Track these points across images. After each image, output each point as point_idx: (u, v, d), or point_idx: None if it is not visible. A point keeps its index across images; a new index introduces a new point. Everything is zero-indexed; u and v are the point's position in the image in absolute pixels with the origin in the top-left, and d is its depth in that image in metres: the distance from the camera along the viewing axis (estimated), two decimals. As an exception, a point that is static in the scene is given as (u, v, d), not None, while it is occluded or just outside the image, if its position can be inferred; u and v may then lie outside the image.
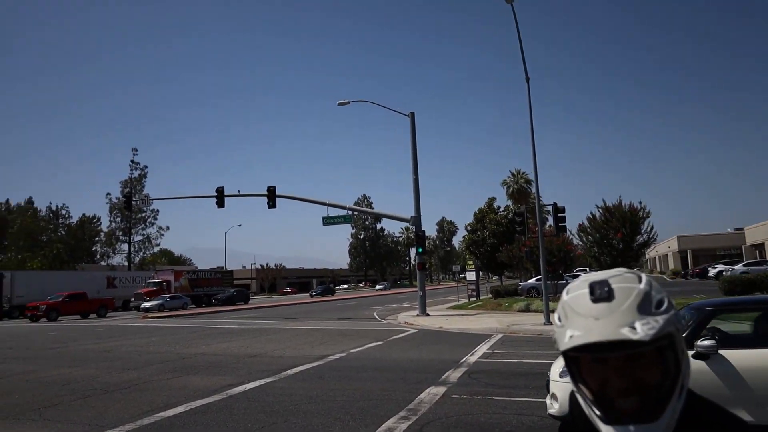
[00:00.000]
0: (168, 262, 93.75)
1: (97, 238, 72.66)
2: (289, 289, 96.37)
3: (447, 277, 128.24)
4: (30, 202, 74.76)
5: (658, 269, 79.23)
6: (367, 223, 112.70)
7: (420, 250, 26.42)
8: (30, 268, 57.04)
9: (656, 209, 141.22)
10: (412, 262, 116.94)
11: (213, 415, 7.34)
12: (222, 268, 72.38)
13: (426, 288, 26.70)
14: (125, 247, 69.25)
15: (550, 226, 27.13)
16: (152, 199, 35.93)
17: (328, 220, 29.40)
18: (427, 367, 10.63)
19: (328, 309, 36.71)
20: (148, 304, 40.52)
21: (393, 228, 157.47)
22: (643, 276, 1.17)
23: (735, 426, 1.21)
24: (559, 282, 28.13)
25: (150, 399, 8.62)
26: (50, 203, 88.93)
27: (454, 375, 9.75)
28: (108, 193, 69.61)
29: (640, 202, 27.98)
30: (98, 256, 72.58)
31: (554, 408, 6.15)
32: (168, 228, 71.84)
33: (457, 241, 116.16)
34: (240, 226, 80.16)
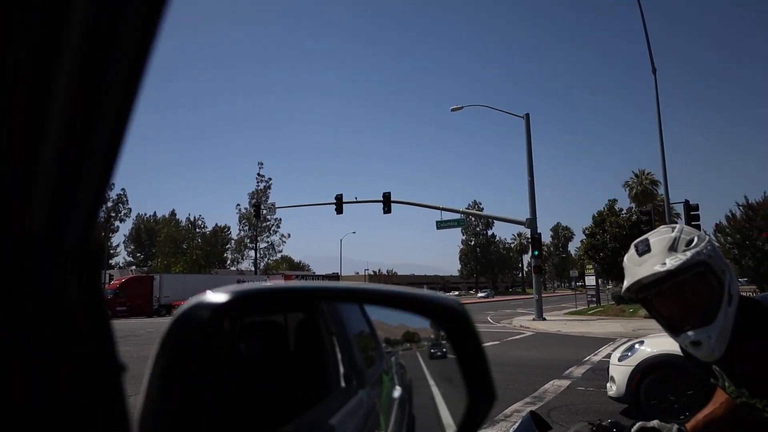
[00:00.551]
0: (288, 267, 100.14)
1: (228, 246, 79.91)
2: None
3: (563, 284, 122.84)
4: (173, 214, 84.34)
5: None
6: (478, 229, 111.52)
7: (536, 252, 25.91)
8: (173, 272, 64.26)
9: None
10: (525, 269, 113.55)
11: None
12: (337, 274, 75.95)
13: (542, 294, 26.09)
14: (252, 253, 75.31)
15: (680, 227, 25.18)
16: (277, 208, 39.57)
17: (441, 224, 29.86)
18: (549, 364, 10.61)
19: (442, 313, 36.87)
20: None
21: (504, 234, 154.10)
22: (678, 226, 1.60)
23: None
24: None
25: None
26: (189, 215, 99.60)
27: (578, 371, 9.68)
28: (237, 204, 76.35)
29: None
30: (229, 262, 79.78)
31: (612, 390, 6.45)
32: (289, 236, 77.08)
33: (573, 247, 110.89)
34: (354, 233, 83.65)
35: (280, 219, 77.38)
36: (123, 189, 67.86)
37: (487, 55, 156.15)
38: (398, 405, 0.96)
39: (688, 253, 1.50)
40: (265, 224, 74.28)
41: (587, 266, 38.20)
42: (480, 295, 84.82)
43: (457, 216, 30.56)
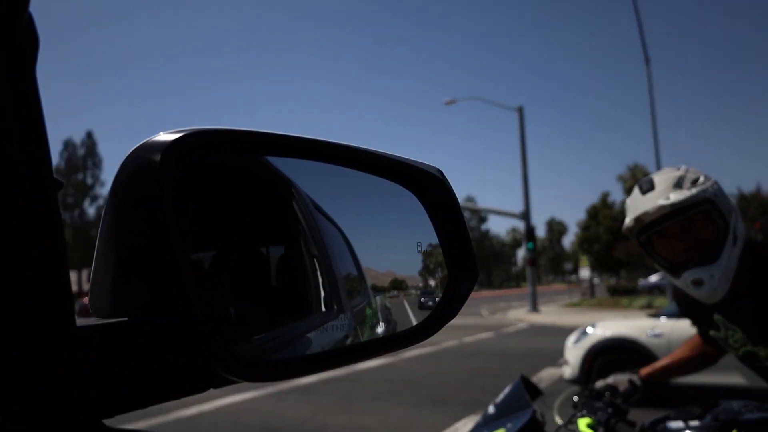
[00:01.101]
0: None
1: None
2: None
3: (557, 278, 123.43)
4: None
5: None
6: (472, 224, 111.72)
7: (531, 245, 25.96)
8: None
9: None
10: (518, 263, 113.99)
11: (345, 383, 8.03)
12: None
13: (536, 287, 26.17)
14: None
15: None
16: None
17: (435, 218, 29.85)
18: (544, 353, 10.61)
19: (437, 307, 37.02)
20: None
21: (499, 229, 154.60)
22: (683, 166, 1.55)
23: None
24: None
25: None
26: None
27: (572, 359, 9.70)
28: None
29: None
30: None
31: (567, 372, 6.72)
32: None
33: (567, 241, 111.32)
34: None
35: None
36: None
37: (481, 50, 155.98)
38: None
39: (694, 190, 1.44)
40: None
41: (581, 259, 38.33)
42: None
43: (452, 210, 30.56)
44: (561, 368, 7.07)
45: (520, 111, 27.05)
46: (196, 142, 0.40)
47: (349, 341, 0.74)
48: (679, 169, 1.57)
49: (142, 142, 0.38)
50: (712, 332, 1.68)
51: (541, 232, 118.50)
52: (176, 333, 0.36)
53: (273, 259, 0.77)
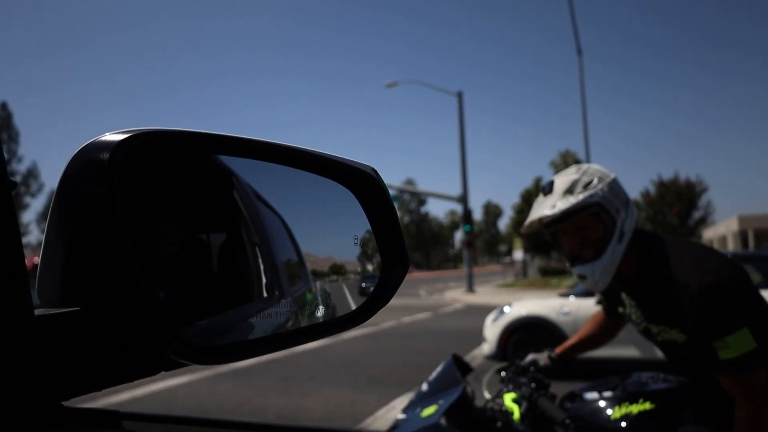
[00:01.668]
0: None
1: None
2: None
3: (493, 260, 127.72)
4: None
5: (716, 251, 76.32)
6: (411, 207, 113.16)
7: (468, 228, 26.67)
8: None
9: (717, 187, 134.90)
10: (456, 245, 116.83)
11: (283, 365, 8.03)
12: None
13: (473, 268, 26.97)
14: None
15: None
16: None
17: (375, 200, 29.99)
18: (478, 332, 11.04)
19: (376, 288, 37.42)
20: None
21: (437, 212, 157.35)
22: (584, 167, 1.75)
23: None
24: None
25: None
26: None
27: (504, 337, 10.15)
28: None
29: (697, 176, 27.28)
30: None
31: (485, 349, 7.18)
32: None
33: (502, 225, 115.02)
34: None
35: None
36: (34, 161, 63.04)
37: (418, 33, 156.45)
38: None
39: (580, 197, 1.63)
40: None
41: (515, 241, 39.84)
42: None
43: (392, 192, 30.78)
44: (481, 345, 7.48)
45: (460, 96, 27.50)
46: (140, 143, 0.42)
47: (290, 325, 0.78)
48: (578, 171, 1.74)
49: (90, 141, 0.40)
50: (620, 309, 1.86)
51: (478, 215, 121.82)
52: (127, 320, 0.38)
53: (214, 246, 0.80)
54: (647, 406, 1.67)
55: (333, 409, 5.84)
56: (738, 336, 1.42)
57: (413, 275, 70.36)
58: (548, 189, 1.75)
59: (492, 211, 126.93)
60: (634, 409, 1.68)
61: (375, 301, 0.71)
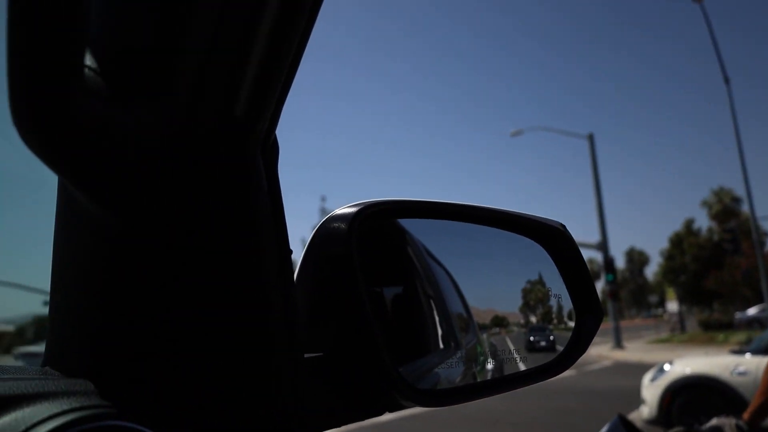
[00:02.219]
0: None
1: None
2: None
3: (641, 313, 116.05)
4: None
5: None
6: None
7: (610, 277, 24.78)
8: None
9: None
10: (599, 295, 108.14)
11: (420, 420, 7.93)
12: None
13: (619, 322, 24.79)
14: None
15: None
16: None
17: (506, 251, 29.22)
18: (631, 393, 9.99)
19: (512, 343, 35.84)
20: None
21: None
22: None
23: None
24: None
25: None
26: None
27: (665, 400, 9.06)
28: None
29: None
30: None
31: (645, 412, 6.41)
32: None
33: (650, 272, 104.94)
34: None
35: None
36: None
37: (548, 73, 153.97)
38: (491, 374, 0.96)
39: None
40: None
41: (668, 291, 35.95)
42: None
43: (524, 242, 29.81)
44: (639, 408, 6.72)
45: (591, 138, 26.34)
46: (369, 213, 0.50)
47: (466, 377, 0.81)
48: None
49: (330, 214, 0.49)
50: None
51: (620, 263, 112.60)
52: (362, 364, 0.44)
53: (396, 300, 0.86)
54: None
55: (477, 470, 5.59)
56: None
57: (551, 329, 65.95)
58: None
59: (637, 258, 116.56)
60: None
61: (571, 350, 0.72)
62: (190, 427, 0.34)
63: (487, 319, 1.04)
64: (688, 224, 46.72)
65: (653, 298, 37.44)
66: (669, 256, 45.85)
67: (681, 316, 32.88)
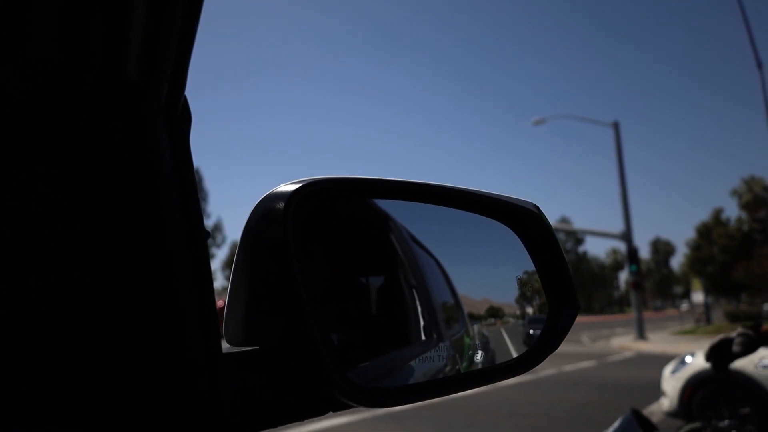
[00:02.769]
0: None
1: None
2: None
3: (665, 304, 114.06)
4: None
5: None
6: (568, 246, 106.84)
7: (634, 267, 24.35)
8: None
9: None
10: (621, 287, 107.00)
11: (440, 411, 7.92)
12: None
13: (642, 313, 24.39)
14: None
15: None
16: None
17: (527, 241, 28.94)
18: (653, 385, 9.82)
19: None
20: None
21: (596, 251, 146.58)
22: None
23: None
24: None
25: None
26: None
27: (688, 393, 8.88)
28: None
29: None
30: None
31: (665, 405, 6.28)
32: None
33: (675, 263, 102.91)
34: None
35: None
36: (219, 217, 72.34)
37: (572, 55, 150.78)
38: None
39: None
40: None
41: (694, 282, 35.20)
42: None
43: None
44: (659, 400, 6.59)
45: (616, 127, 25.78)
46: (311, 191, 0.45)
47: (448, 370, 0.76)
48: None
49: (267, 192, 0.44)
50: None
51: (644, 253, 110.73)
52: (300, 361, 0.40)
53: (373, 290, 0.82)
54: None
55: (492, 461, 5.56)
56: None
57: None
58: None
59: (662, 249, 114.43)
60: None
61: (542, 346, 0.66)
62: None
63: (482, 310, 0.99)
64: (717, 214, 45.60)
65: (678, 289, 36.68)
66: (696, 247, 44.96)
67: (707, 307, 32.18)
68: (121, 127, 0.31)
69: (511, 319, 0.99)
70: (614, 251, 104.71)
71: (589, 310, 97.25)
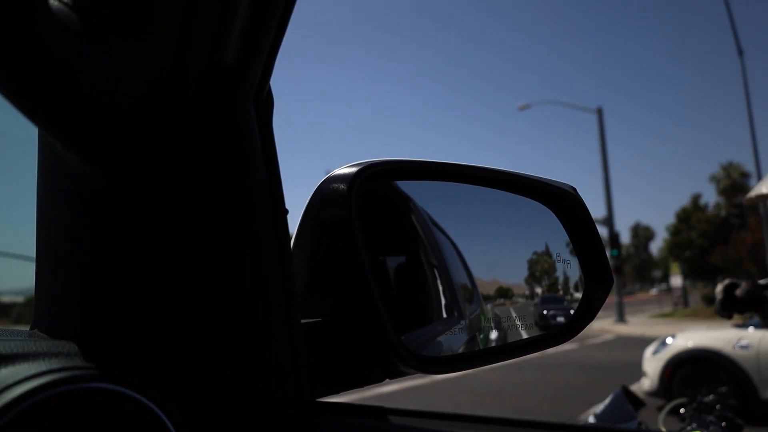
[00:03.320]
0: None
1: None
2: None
3: (645, 287, 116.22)
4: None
5: None
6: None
7: (615, 252, 24.78)
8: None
9: None
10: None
11: (425, 392, 8.05)
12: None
13: (622, 297, 24.88)
14: None
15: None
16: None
17: (511, 226, 29.20)
18: (632, 366, 10.08)
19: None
20: None
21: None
22: None
23: None
24: (794, 287, 23.73)
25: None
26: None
27: (667, 373, 9.14)
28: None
29: None
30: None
31: (646, 384, 6.47)
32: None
33: (654, 247, 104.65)
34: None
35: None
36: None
37: (553, 45, 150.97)
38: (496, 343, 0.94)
39: None
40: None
41: (672, 266, 35.92)
42: None
43: (529, 217, 29.76)
44: (640, 380, 6.79)
45: (599, 112, 26.00)
46: (370, 173, 0.47)
47: (468, 346, 0.80)
48: None
49: (328, 174, 0.46)
50: None
51: (625, 238, 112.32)
52: (362, 331, 0.43)
53: (399, 269, 0.84)
54: None
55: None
56: None
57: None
58: None
59: (642, 234, 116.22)
60: None
61: (578, 319, 0.70)
62: (181, 392, 0.32)
63: (491, 290, 1.02)
64: (695, 199, 46.46)
65: (657, 273, 37.46)
66: (675, 231, 45.83)
67: (685, 291, 32.93)
68: (218, 109, 0.34)
69: (521, 299, 1.02)
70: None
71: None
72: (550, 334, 0.75)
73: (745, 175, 45.80)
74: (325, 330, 0.43)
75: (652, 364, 6.52)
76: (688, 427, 1.68)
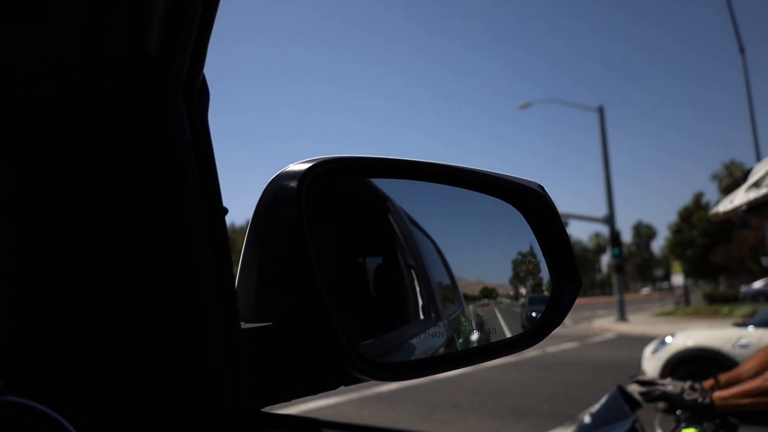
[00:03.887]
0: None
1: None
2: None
3: (647, 285, 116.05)
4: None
5: None
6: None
7: (616, 251, 24.72)
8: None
9: None
10: (603, 270, 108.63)
11: (425, 391, 8.03)
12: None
13: (624, 295, 24.84)
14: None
15: (779, 219, 23.16)
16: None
17: (512, 224, 29.15)
18: (633, 365, 10.05)
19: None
20: None
21: (580, 234, 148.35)
22: None
23: None
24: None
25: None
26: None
27: (667, 372, 9.11)
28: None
29: None
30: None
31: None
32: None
33: (656, 246, 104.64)
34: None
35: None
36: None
37: (556, 41, 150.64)
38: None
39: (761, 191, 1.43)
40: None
41: (673, 264, 35.85)
42: None
43: (530, 215, 29.71)
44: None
45: (601, 111, 25.94)
46: (323, 170, 0.45)
47: (447, 348, 0.77)
48: None
49: (279, 171, 0.44)
50: None
51: (627, 236, 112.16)
52: (313, 336, 0.40)
53: (372, 270, 0.82)
54: None
55: (477, 439, 5.66)
56: None
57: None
58: (745, 176, 1.62)
59: (644, 232, 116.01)
60: None
61: (546, 322, 0.67)
62: (100, 405, 0.30)
63: (476, 291, 0.99)
64: (697, 198, 46.36)
65: (659, 272, 37.40)
66: (677, 230, 45.74)
67: (686, 290, 32.85)
68: (143, 102, 0.31)
69: (505, 300, 1.00)
70: (597, 235, 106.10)
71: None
72: (518, 338, 0.73)
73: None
74: (275, 335, 0.40)
75: (652, 362, 6.49)
76: (683, 424, 1.66)
